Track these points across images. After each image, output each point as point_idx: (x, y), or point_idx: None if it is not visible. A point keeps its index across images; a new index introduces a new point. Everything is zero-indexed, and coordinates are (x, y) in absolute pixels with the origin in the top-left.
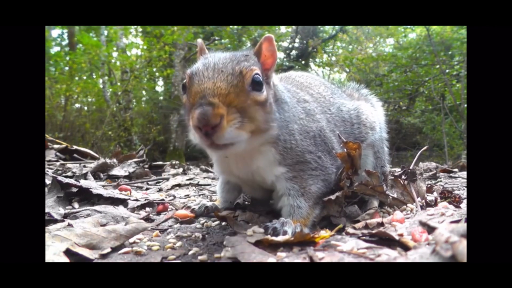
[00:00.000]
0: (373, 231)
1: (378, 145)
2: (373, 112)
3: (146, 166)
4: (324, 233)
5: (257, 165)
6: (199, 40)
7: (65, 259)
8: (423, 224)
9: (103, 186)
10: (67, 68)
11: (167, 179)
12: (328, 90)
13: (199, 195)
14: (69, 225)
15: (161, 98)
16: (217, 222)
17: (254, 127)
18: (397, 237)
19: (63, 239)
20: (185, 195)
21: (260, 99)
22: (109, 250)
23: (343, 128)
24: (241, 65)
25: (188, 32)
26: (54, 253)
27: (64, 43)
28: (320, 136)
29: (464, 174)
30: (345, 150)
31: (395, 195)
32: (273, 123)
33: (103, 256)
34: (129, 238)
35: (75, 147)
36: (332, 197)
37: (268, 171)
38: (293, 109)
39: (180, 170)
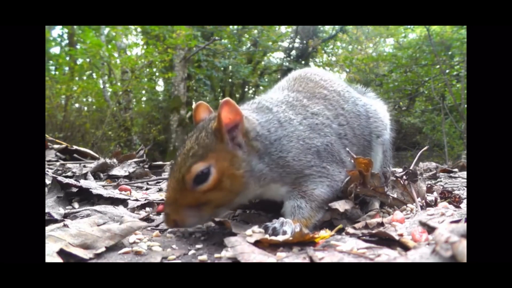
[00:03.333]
0: (373, 231)
1: (387, 145)
2: (386, 114)
3: (146, 166)
4: (324, 233)
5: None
6: (199, 103)
7: (59, 260)
8: (423, 224)
9: (103, 186)
10: (67, 68)
11: (167, 179)
12: (343, 85)
13: None
14: (65, 225)
15: (161, 98)
16: None
17: (215, 205)
18: (397, 237)
19: (57, 240)
20: None
21: (207, 187)
22: (103, 249)
23: (357, 124)
24: (184, 168)
25: (191, 40)
26: (47, 253)
27: (64, 43)
28: (326, 150)
29: (464, 174)
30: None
31: (395, 195)
32: (247, 178)
33: (98, 255)
34: (124, 237)
35: (75, 147)
36: (340, 209)
37: (274, 195)
38: (291, 134)
39: None
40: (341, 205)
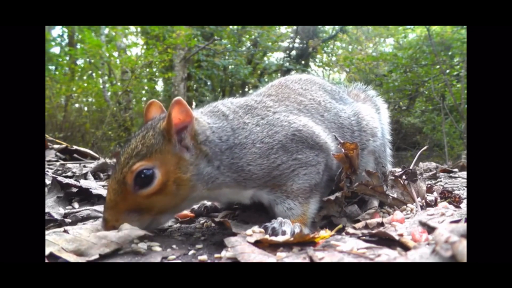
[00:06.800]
0: (373, 231)
1: (379, 151)
2: (374, 117)
3: None
4: (324, 233)
5: (228, 197)
6: (152, 101)
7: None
8: (423, 224)
9: (103, 186)
10: (67, 69)
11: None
12: (326, 94)
13: None
14: (65, 231)
15: (161, 98)
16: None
17: (158, 210)
18: (397, 237)
19: (50, 243)
20: None
21: (151, 191)
22: (97, 256)
23: (339, 135)
24: (126, 168)
25: (191, 39)
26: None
27: (64, 43)
28: (293, 140)
29: (464, 174)
30: (343, 150)
31: (395, 195)
32: (195, 182)
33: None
34: (121, 245)
35: (75, 147)
36: (332, 197)
37: (240, 197)
38: (244, 140)
39: None
40: (333, 196)
